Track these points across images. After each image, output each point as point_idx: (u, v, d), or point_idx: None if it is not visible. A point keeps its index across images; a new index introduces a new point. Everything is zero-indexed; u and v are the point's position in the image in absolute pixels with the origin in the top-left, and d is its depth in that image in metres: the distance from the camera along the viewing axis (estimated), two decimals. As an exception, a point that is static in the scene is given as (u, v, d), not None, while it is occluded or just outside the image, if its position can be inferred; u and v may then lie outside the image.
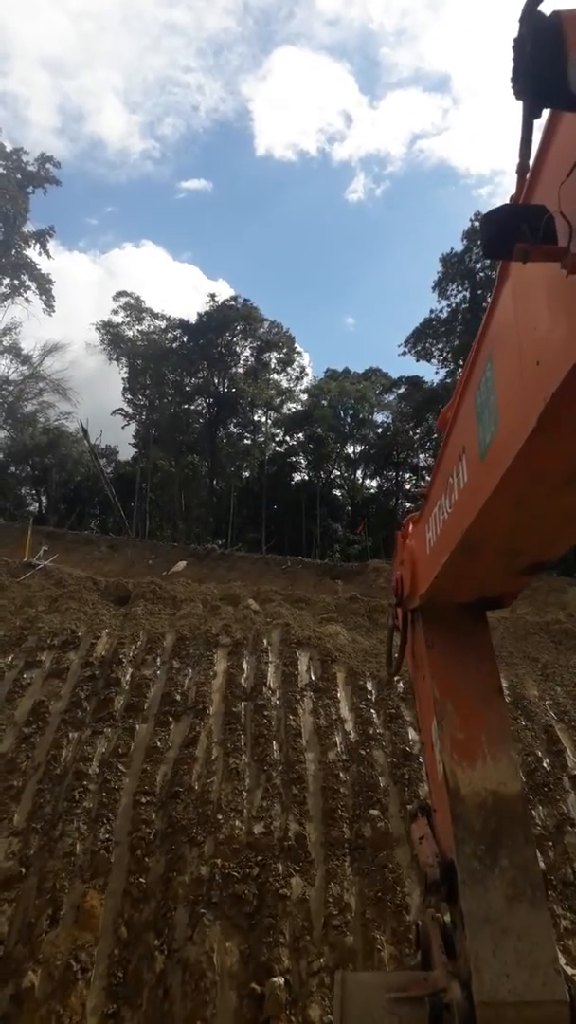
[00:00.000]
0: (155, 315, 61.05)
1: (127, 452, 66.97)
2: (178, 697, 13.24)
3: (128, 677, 13.70)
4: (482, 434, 2.90)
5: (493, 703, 4.10)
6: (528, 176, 2.30)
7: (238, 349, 62.67)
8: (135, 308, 60.25)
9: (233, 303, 61.72)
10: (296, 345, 65.72)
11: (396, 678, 12.81)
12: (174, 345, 60.92)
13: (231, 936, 9.38)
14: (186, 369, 61.44)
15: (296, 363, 66.43)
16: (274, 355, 65.05)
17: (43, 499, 63.86)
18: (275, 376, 66.07)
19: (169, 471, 63.98)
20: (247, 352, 63.54)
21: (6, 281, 50.04)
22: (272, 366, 65.44)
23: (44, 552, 21.17)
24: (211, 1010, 8.65)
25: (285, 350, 65.18)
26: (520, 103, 2.04)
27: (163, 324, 61.21)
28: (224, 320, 60.39)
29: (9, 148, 49.75)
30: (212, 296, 61.95)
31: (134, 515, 56.34)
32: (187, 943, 9.30)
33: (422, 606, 4.43)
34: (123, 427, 62.86)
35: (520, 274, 2.41)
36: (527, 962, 3.30)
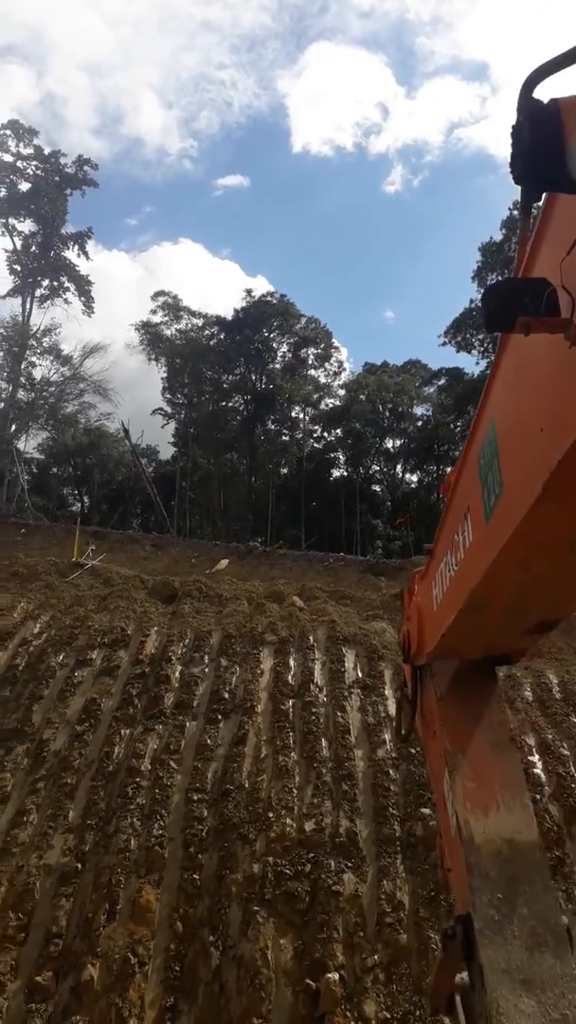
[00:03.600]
0: (192, 313, 61.40)
1: (167, 451, 67.55)
2: (226, 695, 13.32)
3: (177, 675, 13.84)
4: (486, 496, 2.91)
5: (505, 752, 4.04)
6: (527, 250, 2.36)
7: (275, 345, 62.68)
8: (173, 307, 60.66)
9: (270, 299, 61.71)
10: (333, 340, 65.52)
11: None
12: (211, 342, 61.16)
13: (285, 933, 9.44)
14: (223, 366, 61.64)
15: (334, 358, 66.22)
16: (312, 351, 64.92)
17: (85, 499, 64.78)
18: (313, 372, 65.97)
19: (208, 469, 64.33)
20: (284, 348, 63.52)
21: (45, 283, 50.75)
22: (310, 362, 65.33)
23: (91, 552, 21.46)
24: (267, 1006, 8.72)
25: (323, 345, 65.00)
26: (519, 186, 2.06)
27: (200, 322, 61.48)
28: (261, 316, 60.42)
29: (48, 151, 50.45)
30: (248, 292, 61.97)
31: (175, 514, 56.77)
32: (241, 939, 9.38)
33: (431, 662, 4.38)
34: (163, 426, 63.41)
35: (521, 343, 2.41)
36: (552, 1015, 3.09)
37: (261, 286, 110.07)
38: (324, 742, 12.28)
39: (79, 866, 10.14)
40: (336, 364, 66.77)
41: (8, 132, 48.63)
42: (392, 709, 13.30)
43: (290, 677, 13.96)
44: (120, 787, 11.28)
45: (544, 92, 1.98)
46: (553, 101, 1.96)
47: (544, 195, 2.18)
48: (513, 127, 1.98)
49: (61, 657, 14.12)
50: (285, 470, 66.51)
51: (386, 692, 13.76)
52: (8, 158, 48.60)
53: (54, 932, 9.38)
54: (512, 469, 2.60)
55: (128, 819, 10.71)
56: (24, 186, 48.88)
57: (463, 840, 3.60)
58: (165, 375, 61.06)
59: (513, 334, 2.43)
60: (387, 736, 12.52)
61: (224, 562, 25.53)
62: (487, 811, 3.71)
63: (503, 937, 3.26)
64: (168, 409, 62.81)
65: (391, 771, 11.81)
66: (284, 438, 65.96)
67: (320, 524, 57.64)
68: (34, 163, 49.32)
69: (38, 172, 49.22)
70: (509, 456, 2.64)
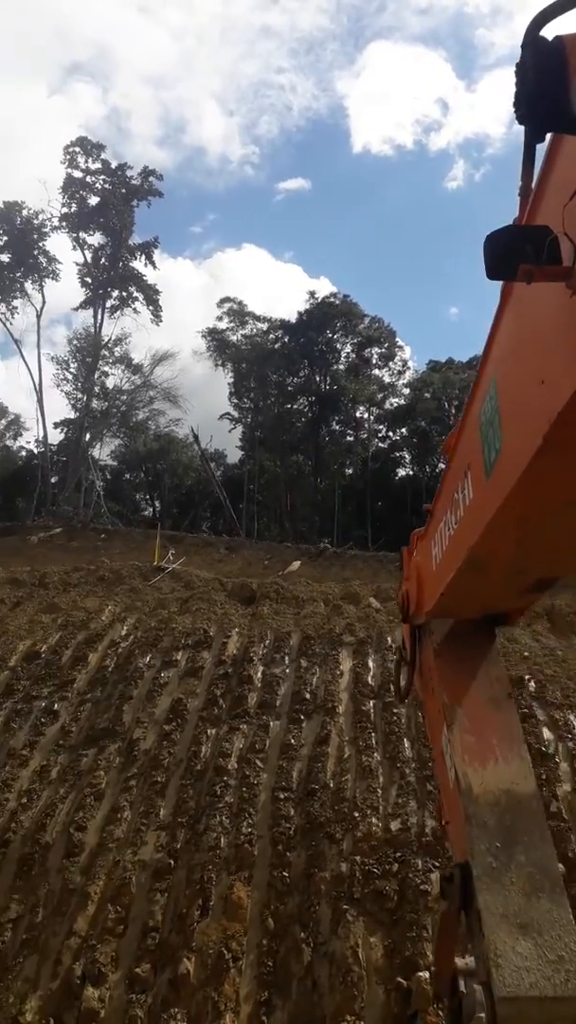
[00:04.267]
0: (257, 318, 61.93)
1: (234, 455, 68.30)
2: (307, 695, 13.48)
3: (259, 675, 14.08)
4: (487, 452, 2.89)
5: (502, 707, 4.07)
6: (531, 197, 2.30)
7: (339, 346, 62.63)
8: (238, 313, 61.29)
9: (333, 299, 61.72)
10: (397, 339, 65.11)
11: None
12: (276, 346, 61.55)
13: (375, 931, 9.51)
14: (288, 369, 61.94)
15: (398, 357, 65.80)
16: (375, 350, 64.64)
17: (156, 503, 66.06)
18: (377, 371, 65.66)
19: (275, 471, 64.75)
20: (348, 349, 63.41)
21: (115, 294, 52.02)
22: (374, 361, 65.05)
23: (171, 556, 21.98)
24: (360, 1003, 8.81)
25: (386, 345, 64.64)
26: (523, 127, 2.04)
27: (265, 326, 61.97)
28: (324, 318, 60.50)
29: (114, 165, 51.73)
30: (312, 294, 62.13)
31: (243, 516, 57.36)
32: (332, 937, 9.49)
33: (429, 621, 4.39)
34: (230, 431, 64.13)
35: (523, 295, 2.40)
36: (549, 957, 3.15)
37: (324, 287, 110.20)
38: (406, 743, 12.30)
39: (172, 863, 10.43)
40: (400, 363, 66.35)
41: (77, 149, 50.10)
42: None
43: (369, 678, 14.03)
44: (208, 785, 11.56)
45: (552, 31, 1.91)
46: (557, 38, 1.90)
47: (549, 138, 2.12)
48: (517, 65, 1.93)
49: (148, 658, 14.54)
50: (350, 470, 66.42)
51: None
52: (78, 174, 50.08)
53: (150, 926, 9.67)
54: (512, 424, 2.58)
55: (217, 817, 10.96)
56: (93, 200, 50.26)
57: (461, 791, 3.64)
58: (231, 380, 61.79)
59: (515, 286, 2.48)
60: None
61: (296, 564, 25.73)
62: (485, 763, 3.74)
63: (501, 883, 3.30)
64: (235, 413, 63.52)
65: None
66: (349, 438, 65.87)
67: (386, 524, 57.33)
68: (102, 177, 50.66)
69: (106, 186, 50.52)
70: (510, 411, 2.62)
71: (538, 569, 3.33)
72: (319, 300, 61.50)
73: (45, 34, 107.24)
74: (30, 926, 9.68)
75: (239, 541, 30.30)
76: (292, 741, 12.40)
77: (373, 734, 12.51)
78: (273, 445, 63.36)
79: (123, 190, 51.13)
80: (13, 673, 14.15)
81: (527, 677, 13.72)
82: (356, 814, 10.86)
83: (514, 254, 2.00)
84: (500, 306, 2.71)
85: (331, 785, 11.49)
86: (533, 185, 2.29)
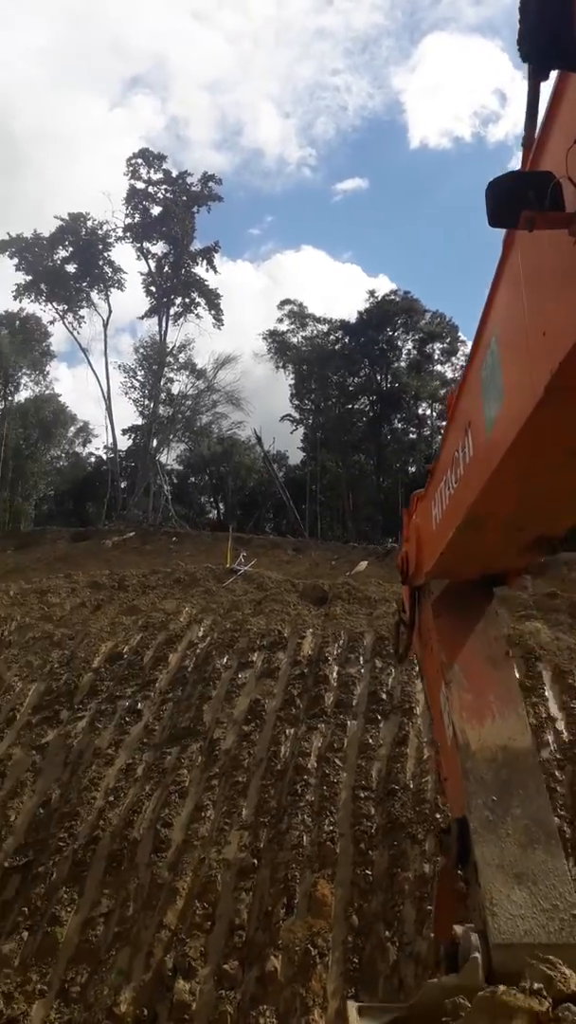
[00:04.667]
0: (317, 319, 61.97)
1: (296, 456, 68.49)
2: (384, 696, 13.50)
3: (335, 675, 14.17)
4: (487, 409, 2.88)
5: (500, 666, 4.12)
6: (534, 144, 2.25)
7: (399, 343, 62.13)
8: (298, 315, 61.41)
9: (393, 297, 61.29)
10: (460, 334, 64.20)
11: None
12: (336, 347, 61.52)
13: (460, 933, 9.49)
14: (348, 369, 61.76)
15: (460, 352, 64.90)
16: (437, 346, 63.84)
17: (221, 506, 66.80)
18: (439, 367, 64.88)
19: (336, 472, 64.67)
20: (409, 345, 62.86)
21: (178, 300, 52.83)
22: (435, 357, 64.29)
23: (243, 558, 22.27)
24: (448, 1004, 8.81)
25: (448, 340, 63.74)
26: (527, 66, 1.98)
27: (325, 327, 61.99)
28: (384, 316, 60.11)
29: (175, 173, 52.56)
30: (371, 293, 61.85)
31: (306, 517, 57.48)
32: (417, 937, 9.51)
33: (429, 582, 4.43)
34: (291, 432, 64.33)
35: (526, 245, 2.35)
36: (543, 905, 3.24)
37: (383, 285, 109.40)
38: (487, 744, 12.20)
39: (255, 862, 10.59)
40: (463, 358, 65.45)
41: (139, 160, 51.07)
42: (554, 710, 13.05)
43: (446, 679, 13.94)
44: (289, 785, 11.70)
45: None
46: None
47: (554, 82, 2.06)
48: (521, 2, 1.88)
49: (225, 659, 14.78)
50: (413, 468, 65.79)
51: (546, 693, 13.48)
52: (140, 185, 51.02)
53: (237, 924, 9.84)
54: (514, 377, 2.55)
55: (299, 816, 11.09)
56: (156, 210, 51.14)
57: (459, 747, 3.71)
58: (292, 381, 61.96)
59: (516, 237, 2.44)
60: (550, 738, 12.28)
61: (363, 564, 25.69)
62: (482, 720, 3.81)
63: (497, 836, 3.39)
64: (296, 415, 63.66)
65: (557, 772, 11.59)
66: (411, 436, 65.26)
67: (453, 522, 56.59)
68: (164, 187, 51.52)
69: (168, 195, 51.36)
70: (511, 365, 2.60)
71: (537, 526, 3.34)
72: (379, 298, 61.15)
73: (104, 50, 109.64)
74: (121, 920, 9.98)
75: (305, 542, 30.44)
76: (370, 741, 12.45)
77: (452, 735, 12.44)
78: (335, 445, 63.27)
79: (184, 198, 51.84)
80: (97, 674, 14.58)
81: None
82: (438, 815, 10.83)
83: (516, 200, 1.96)
84: (502, 260, 2.67)
85: (411, 786, 11.50)
86: (537, 131, 2.24)
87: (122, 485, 54.14)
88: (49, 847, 11.06)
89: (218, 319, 53.01)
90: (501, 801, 3.52)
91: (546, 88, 2.12)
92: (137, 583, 18.78)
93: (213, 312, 52.67)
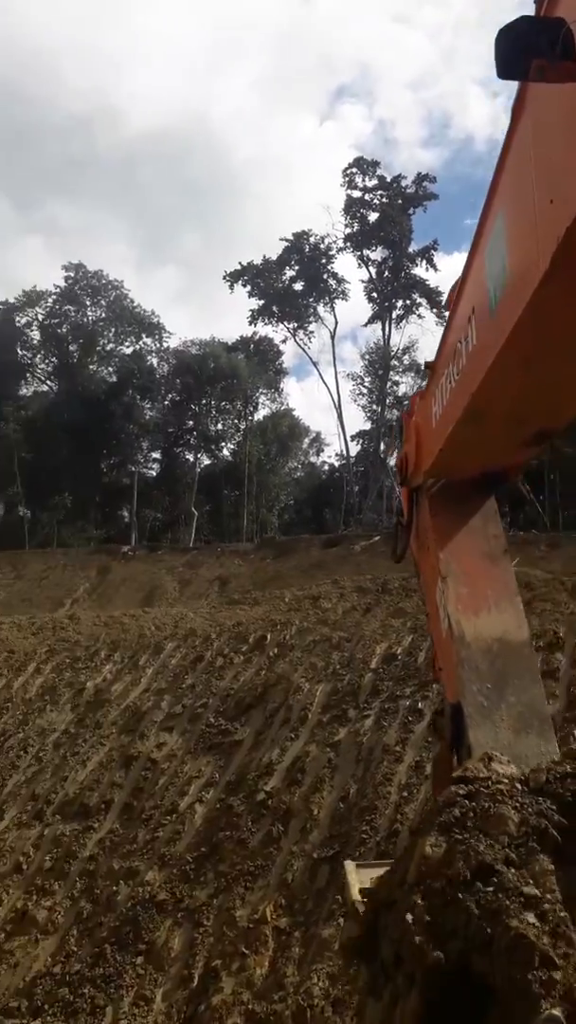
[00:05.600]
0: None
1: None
2: None
3: (622, 676, 13.59)
4: (492, 290, 2.77)
5: (498, 562, 4.05)
6: None
7: None
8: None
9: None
10: None
11: None
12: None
13: None
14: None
15: None
16: None
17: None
18: None
19: (572, 458, 61.21)
20: None
21: (400, 304, 53.22)
22: None
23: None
24: None
25: None
26: None
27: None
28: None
29: (388, 178, 53.07)
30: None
31: (546, 508, 55.04)
32: None
33: (427, 483, 4.34)
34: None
35: (537, 104, 2.21)
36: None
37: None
38: None
39: None
40: None
41: (355, 169, 52.29)
42: None
43: None
44: None
45: None
46: None
47: None
48: None
49: (501, 660, 14.70)
50: None
51: None
52: (357, 194, 52.21)
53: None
54: (519, 253, 2.45)
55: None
56: (373, 216, 52.03)
57: (455, 638, 3.68)
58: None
59: (527, 100, 2.31)
60: None
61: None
62: (478, 612, 3.77)
63: (491, 721, 3.36)
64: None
65: None
66: None
67: None
68: (379, 192, 52.24)
69: (383, 200, 52.00)
70: (516, 241, 2.49)
71: (539, 419, 3.27)
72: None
73: (312, 68, 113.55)
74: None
75: (555, 536, 29.26)
76: None
77: None
78: (572, 430, 60.03)
79: (399, 200, 52.20)
80: (376, 674, 15.20)
81: None
82: None
83: (528, 49, 1.86)
84: (510, 129, 2.54)
85: None
86: None
87: (355, 490, 55.51)
88: (353, 839, 11.74)
89: (440, 317, 52.55)
90: (496, 689, 3.51)
91: None
92: (399, 586, 19.23)
93: (435, 311, 52.34)
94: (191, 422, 57.04)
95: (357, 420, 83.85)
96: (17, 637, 21.18)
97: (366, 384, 54.15)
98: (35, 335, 56.51)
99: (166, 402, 57.69)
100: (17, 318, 55.12)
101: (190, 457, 58.27)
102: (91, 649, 19.51)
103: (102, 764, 15.00)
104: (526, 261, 2.37)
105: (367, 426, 57.43)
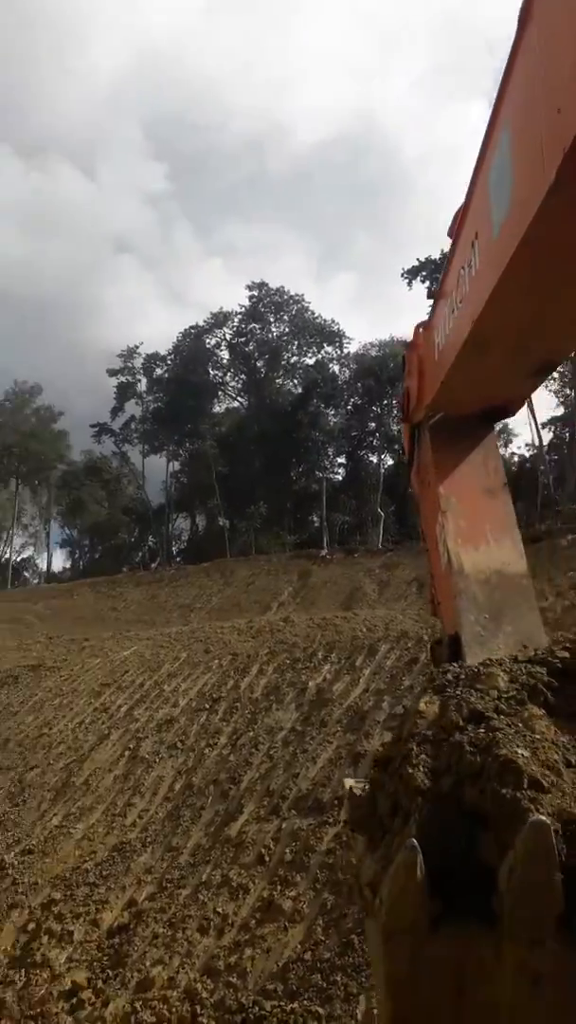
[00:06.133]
0: None
1: None
2: None
3: None
4: (496, 210, 2.72)
5: (497, 495, 4.08)
6: None
7: None
8: None
9: None
10: None
11: None
12: None
13: None
14: None
15: None
16: None
17: None
18: None
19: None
20: None
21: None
22: None
23: None
24: None
25: None
26: None
27: None
28: None
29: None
30: None
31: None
32: None
33: (429, 417, 4.29)
34: None
35: (545, 9, 2.21)
36: None
37: None
38: None
39: None
40: None
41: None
42: None
43: None
44: None
45: None
46: None
47: None
48: None
49: None
50: None
51: None
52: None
53: None
54: (524, 167, 2.39)
55: None
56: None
57: (453, 571, 3.70)
58: None
59: (534, 5, 2.27)
60: None
61: None
62: (477, 546, 3.79)
63: (488, 649, 3.32)
64: None
65: None
66: None
67: None
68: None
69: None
70: (522, 154, 2.42)
71: (543, 348, 3.24)
72: None
73: (473, 50, 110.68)
74: None
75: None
76: None
77: None
78: None
79: None
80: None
81: None
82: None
83: None
84: (517, 37, 2.44)
85: None
86: None
87: (549, 480, 53.18)
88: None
89: None
90: (493, 619, 3.51)
91: None
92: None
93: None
94: (373, 424, 57.40)
95: (548, 406, 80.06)
96: (238, 640, 22.46)
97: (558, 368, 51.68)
98: (224, 354, 59.30)
99: (348, 407, 58.50)
100: (207, 340, 58.20)
101: (374, 459, 58.62)
102: (308, 650, 20.26)
103: (331, 761, 15.53)
104: (531, 175, 2.32)
105: (559, 411, 54.81)
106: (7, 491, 78.00)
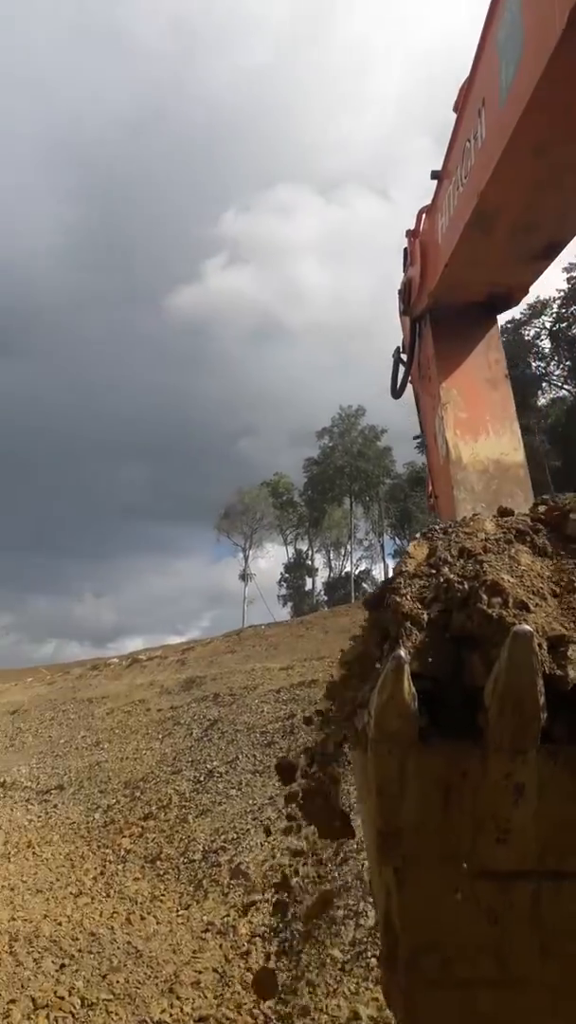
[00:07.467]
0: None
1: None
2: None
3: None
4: (504, 72, 2.72)
5: (499, 386, 4.06)
6: None
7: None
8: None
9: None
10: None
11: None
12: None
13: None
14: None
15: None
16: None
17: None
18: None
19: None
20: None
21: None
22: None
23: None
24: None
25: None
26: None
27: None
28: None
29: None
30: None
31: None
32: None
33: (431, 308, 4.18)
34: None
35: None
36: None
37: None
38: None
39: None
40: None
41: None
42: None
43: None
44: None
45: None
46: None
47: None
48: None
49: None
50: None
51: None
52: None
53: None
54: (535, 17, 2.42)
55: None
56: None
57: (452, 462, 3.78)
58: None
59: None
60: None
61: None
62: (476, 436, 3.84)
63: None
64: None
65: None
66: None
67: None
68: None
69: None
70: (532, 5, 2.46)
71: (548, 226, 3.23)
72: None
73: None
74: None
75: None
76: None
77: None
78: None
79: None
80: None
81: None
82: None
83: None
84: None
85: None
86: None
87: None
88: None
89: None
90: (489, 509, 3.25)
91: None
92: None
93: None
94: None
95: None
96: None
97: None
98: (545, 344, 56.96)
99: None
100: (525, 332, 56.33)
101: None
102: None
103: None
104: (542, 24, 2.33)
105: None
106: (341, 509, 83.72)
